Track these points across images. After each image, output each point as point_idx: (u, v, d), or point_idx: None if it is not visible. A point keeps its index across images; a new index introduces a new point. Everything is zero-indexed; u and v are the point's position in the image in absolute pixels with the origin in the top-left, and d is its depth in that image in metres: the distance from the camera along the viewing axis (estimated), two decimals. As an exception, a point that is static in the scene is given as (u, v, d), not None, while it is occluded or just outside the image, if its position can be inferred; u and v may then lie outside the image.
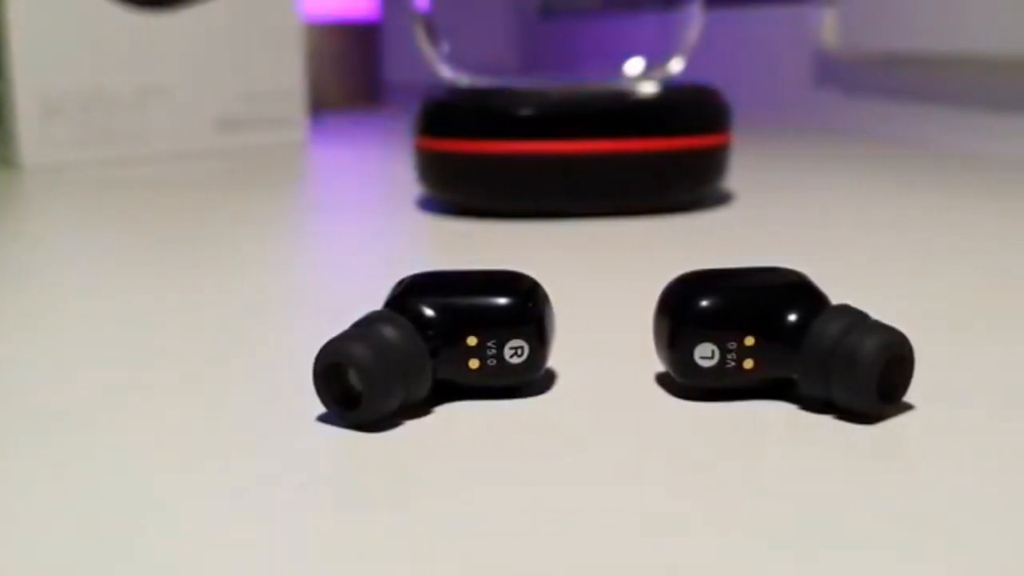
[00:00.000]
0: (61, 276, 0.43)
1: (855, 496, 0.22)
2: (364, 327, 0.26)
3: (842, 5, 0.99)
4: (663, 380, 0.29)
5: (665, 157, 0.53)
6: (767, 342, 0.27)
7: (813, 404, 0.27)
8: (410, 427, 0.26)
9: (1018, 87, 0.83)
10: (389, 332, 0.26)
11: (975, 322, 0.34)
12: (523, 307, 0.27)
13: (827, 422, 0.26)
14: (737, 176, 0.64)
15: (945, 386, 0.28)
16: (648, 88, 0.56)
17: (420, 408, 0.27)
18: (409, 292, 0.27)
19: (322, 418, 0.26)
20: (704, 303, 0.27)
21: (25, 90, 0.75)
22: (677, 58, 0.60)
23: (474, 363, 0.27)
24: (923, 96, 0.92)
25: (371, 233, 0.52)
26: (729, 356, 0.27)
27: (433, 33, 0.61)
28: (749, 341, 0.27)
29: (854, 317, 0.26)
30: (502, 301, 0.27)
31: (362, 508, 0.21)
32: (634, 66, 0.60)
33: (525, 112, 0.52)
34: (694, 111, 0.55)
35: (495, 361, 0.27)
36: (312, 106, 0.94)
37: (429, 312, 0.27)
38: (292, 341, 0.33)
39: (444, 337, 0.27)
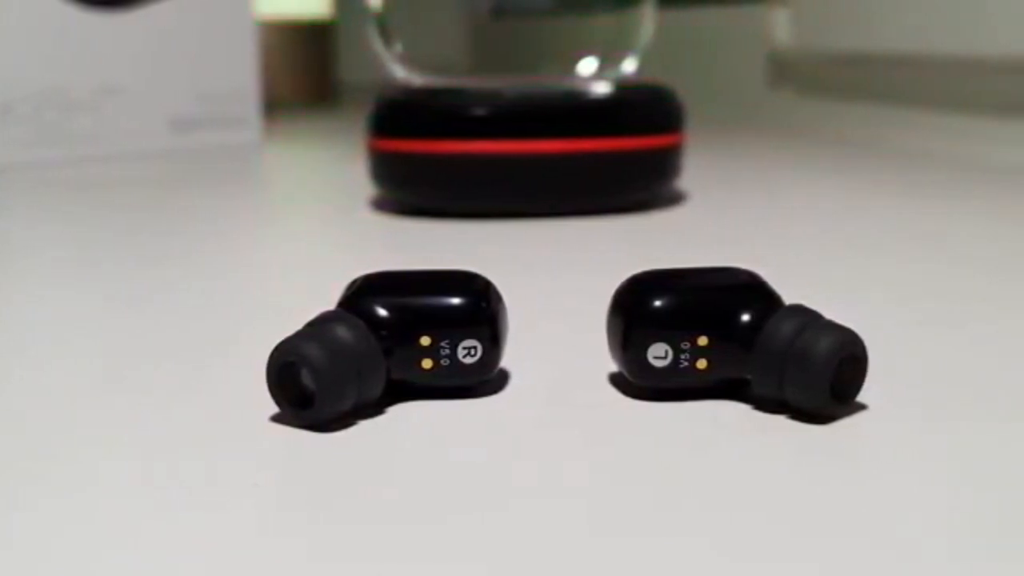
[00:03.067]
0: (13, 276, 0.42)
1: (808, 496, 0.22)
2: (317, 327, 0.26)
3: (795, 5, 0.99)
4: (616, 380, 0.29)
5: (619, 157, 0.53)
6: (721, 342, 0.27)
7: (767, 404, 0.27)
8: (363, 427, 0.26)
9: (973, 87, 0.83)
10: (342, 332, 0.26)
11: (929, 322, 0.34)
12: (476, 307, 0.27)
13: (781, 422, 0.26)
14: (691, 176, 0.64)
15: (899, 386, 0.28)
16: (601, 88, 0.56)
17: (373, 408, 0.27)
18: (362, 292, 0.27)
19: (275, 418, 0.26)
20: (657, 303, 0.27)
21: (-25, 89, 0.74)
22: (630, 58, 0.60)
23: (427, 363, 0.27)
24: (877, 96, 0.92)
25: (324, 233, 0.52)
26: (682, 356, 0.27)
27: (386, 33, 0.61)
28: (702, 341, 0.27)
29: (807, 317, 0.26)
30: (455, 301, 0.27)
31: (315, 508, 0.21)
32: (587, 66, 0.60)
33: (478, 112, 0.52)
34: (648, 111, 0.55)
35: (448, 361, 0.27)
36: (266, 106, 0.94)
37: (382, 312, 0.27)
38: (245, 341, 0.33)
39: (397, 337, 0.27)
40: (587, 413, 0.27)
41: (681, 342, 0.27)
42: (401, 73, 0.60)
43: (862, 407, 0.27)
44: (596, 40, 0.62)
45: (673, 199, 0.58)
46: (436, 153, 0.52)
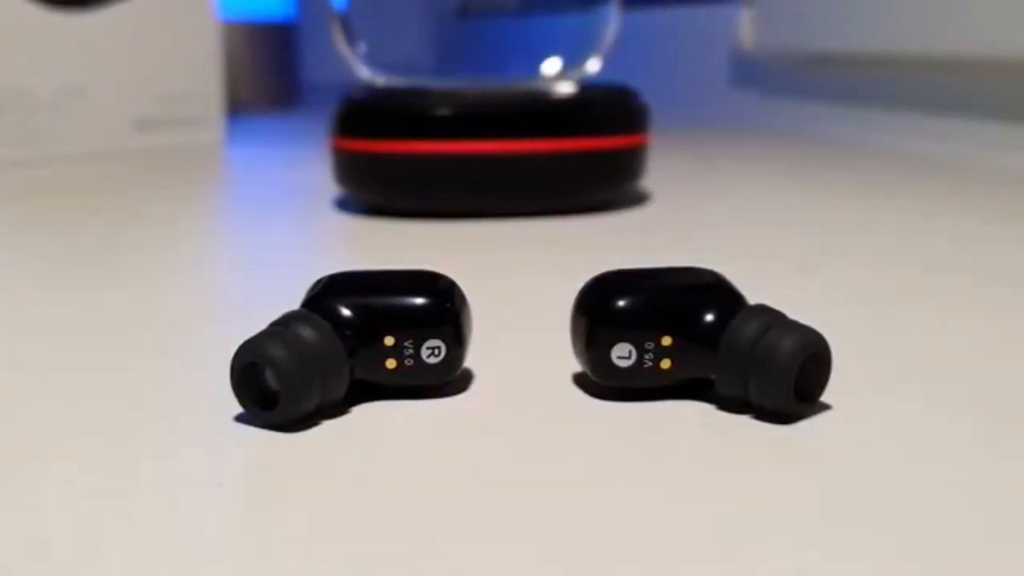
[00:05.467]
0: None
1: (771, 495, 0.22)
2: (281, 327, 0.26)
3: (759, 5, 0.99)
4: (580, 380, 0.29)
5: (582, 157, 0.53)
6: (684, 342, 0.27)
7: (731, 404, 0.27)
8: (327, 427, 0.26)
9: (935, 86, 0.83)
10: (306, 332, 0.26)
11: (893, 322, 0.35)
12: (440, 307, 0.27)
13: (744, 422, 0.26)
14: (655, 176, 0.64)
15: (862, 386, 0.28)
16: (565, 88, 0.56)
17: (337, 408, 0.27)
18: (326, 292, 0.27)
19: (239, 418, 0.26)
20: (621, 303, 0.27)
21: (-63, 89, 0.74)
22: (594, 58, 0.60)
23: (391, 363, 0.27)
24: (840, 96, 0.93)
25: (288, 233, 0.52)
26: (646, 356, 0.27)
27: (350, 33, 0.61)
28: (666, 341, 0.27)
29: (771, 317, 0.26)
30: (419, 301, 0.27)
31: (279, 508, 0.21)
32: (551, 66, 0.60)
33: (442, 112, 0.52)
34: (612, 111, 0.55)
35: (412, 361, 0.27)
36: (229, 106, 0.93)
37: (346, 312, 0.27)
38: (209, 341, 0.33)
39: (361, 337, 0.27)
40: (551, 413, 0.27)
41: (645, 342, 0.27)
42: (365, 73, 0.60)
43: (826, 407, 0.27)
44: (560, 40, 0.62)
45: (637, 199, 0.58)
46: (400, 153, 0.52)
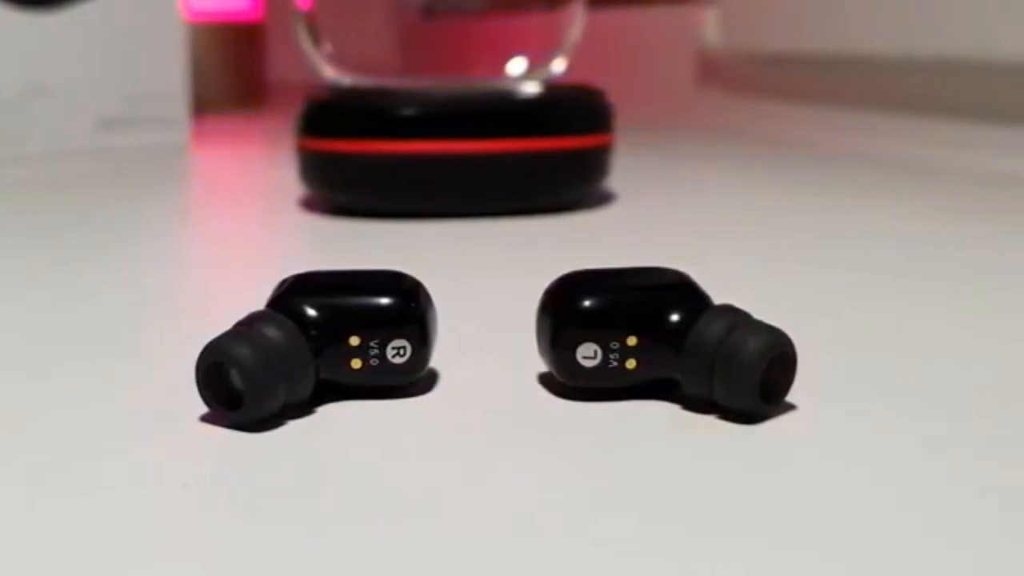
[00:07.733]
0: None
1: (736, 496, 0.22)
2: (246, 327, 0.26)
3: (724, 5, 0.99)
4: (546, 380, 0.29)
5: (548, 157, 0.53)
6: (650, 342, 0.27)
7: (696, 404, 0.27)
8: (293, 427, 0.26)
9: (901, 86, 0.84)
10: (271, 332, 0.26)
11: (858, 323, 0.35)
12: (405, 307, 0.27)
13: (709, 422, 0.26)
14: (620, 176, 0.64)
15: (828, 387, 0.28)
16: (531, 88, 0.56)
17: (303, 408, 0.27)
18: (292, 292, 0.27)
19: (204, 418, 0.26)
20: (586, 303, 0.27)
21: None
22: (560, 58, 0.60)
23: (356, 363, 0.27)
24: (805, 96, 0.93)
25: (254, 233, 0.51)
26: (612, 356, 0.27)
27: (316, 33, 0.60)
28: (632, 341, 0.27)
29: (737, 317, 0.26)
30: (384, 301, 0.27)
31: (244, 509, 0.21)
32: (517, 66, 0.60)
33: (407, 112, 0.52)
34: (577, 111, 0.55)
35: (377, 361, 0.27)
36: (195, 106, 0.93)
37: (312, 312, 0.27)
38: (174, 341, 0.33)
39: (326, 337, 0.27)
40: (516, 413, 0.27)
41: (610, 342, 0.27)
42: (331, 73, 0.60)
43: (791, 407, 0.27)
44: (526, 40, 0.62)
45: (602, 199, 0.58)
46: (365, 153, 0.52)
